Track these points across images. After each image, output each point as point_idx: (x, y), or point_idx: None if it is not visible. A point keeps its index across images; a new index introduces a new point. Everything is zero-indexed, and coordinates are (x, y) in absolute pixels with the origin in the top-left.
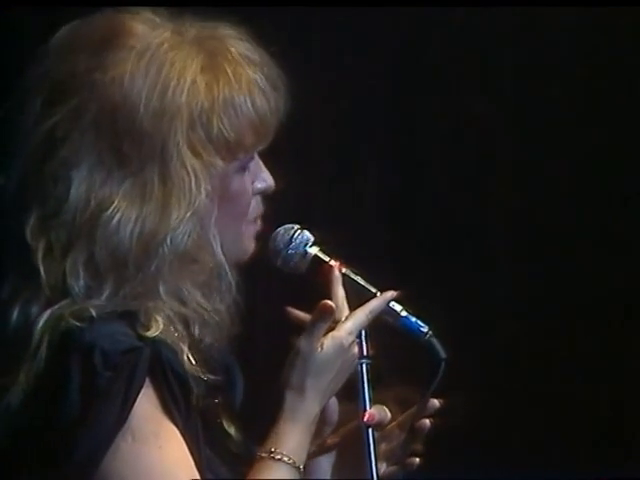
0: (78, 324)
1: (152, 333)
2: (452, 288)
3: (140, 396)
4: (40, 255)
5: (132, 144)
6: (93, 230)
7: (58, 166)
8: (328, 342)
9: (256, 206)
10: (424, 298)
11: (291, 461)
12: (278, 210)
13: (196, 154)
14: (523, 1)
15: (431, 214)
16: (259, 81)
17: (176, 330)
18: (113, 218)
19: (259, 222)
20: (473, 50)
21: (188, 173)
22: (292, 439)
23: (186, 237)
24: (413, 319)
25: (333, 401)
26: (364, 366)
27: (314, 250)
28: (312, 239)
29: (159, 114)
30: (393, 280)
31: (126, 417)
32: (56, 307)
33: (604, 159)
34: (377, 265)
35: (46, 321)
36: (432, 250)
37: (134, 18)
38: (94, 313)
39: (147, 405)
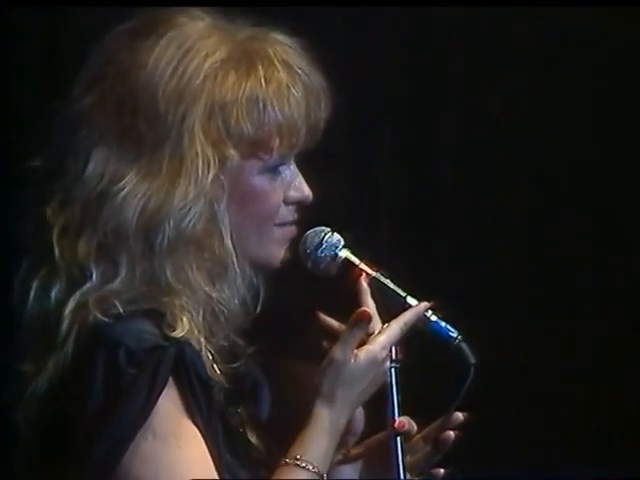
0: (106, 320)
1: (178, 333)
2: (469, 289)
3: (163, 395)
4: (56, 234)
5: (150, 124)
6: (102, 205)
7: (79, 144)
8: (362, 355)
9: (288, 214)
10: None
11: (315, 469)
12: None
13: (210, 141)
14: (537, 1)
15: (447, 215)
16: (293, 86)
17: (199, 332)
18: (120, 192)
19: (292, 229)
20: (487, 51)
21: (197, 156)
22: (318, 447)
23: (191, 220)
24: (443, 324)
25: (359, 411)
26: (393, 370)
27: (344, 253)
28: (342, 242)
29: (177, 96)
30: (411, 284)
31: (147, 415)
32: (78, 294)
33: (619, 160)
34: (394, 268)
35: (73, 312)
36: (449, 251)
37: (180, 11)
38: (121, 309)
39: (169, 404)
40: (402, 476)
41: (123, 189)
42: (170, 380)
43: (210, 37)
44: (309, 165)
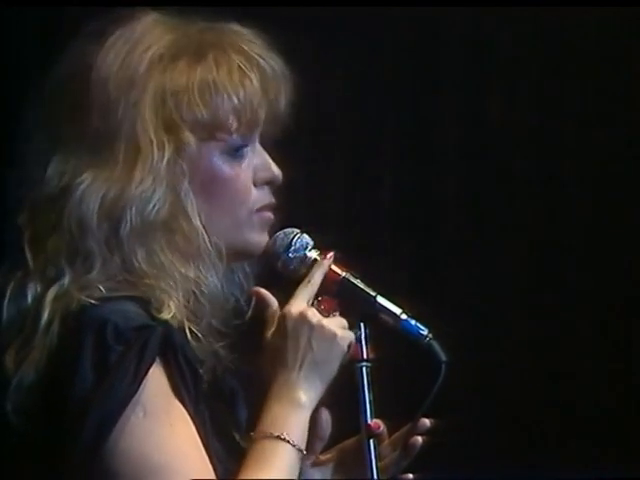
0: (91, 301)
1: (165, 315)
2: (465, 293)
3: (151, 373)
4: (27, 238)
5: (103, 117)
6: (65, 202)
7: (39, 149)
8: (279, 320)
9: (261, 196)
10: (435, 302)
11: (296, 444)
12: (291, 214)
13: (164, 127)
14: (542, 2)
15: (446, 218)
16: (246, 68)
17: (184, 316)
18: (80, 186)
19: (269, 215)
20: (490, 52)
21: (151, 142)
22: (290, 421)
23: (155, 205)
24: (413, 322)
25: (326, 416)
26: (364, 369)
27: (314, 254)
28: (312, 243)
29: (127, 86)
30: (405, 285)
31: (136, 390)
32: (57, 286)
33: (624, 160)
34: (388, 269)
35: (53, 301)
36: (447, 254)
37: (135, 12)
38: (105, 292)
39: (158, 382)
40: (376, 478)
41: (82, 183)
42: (157, 359)
43: (157, 29)
44: (309, 165)
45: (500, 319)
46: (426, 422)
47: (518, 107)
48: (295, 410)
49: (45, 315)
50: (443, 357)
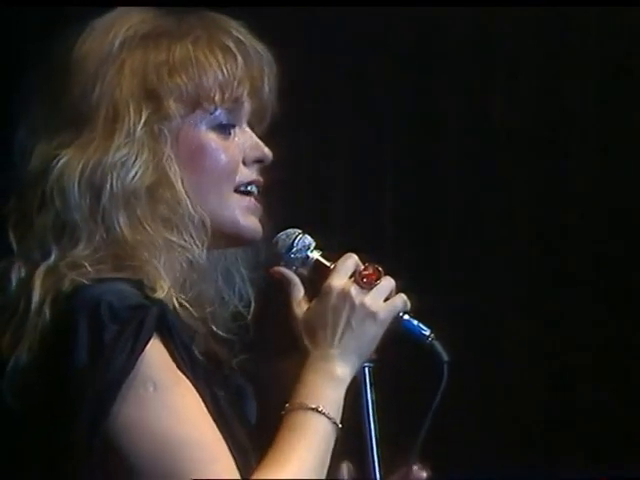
0: (84, 281)
1: (159, 295)
2: (467, 295)
3: (153, 348)
4: (11, 225)
5: (82, 93)
6: (46, 179)
7: (23, 140)
8: (322, 294)
9: (248, 173)
10: (435, 302)
11: (331, 417)
12: (293, 215)
13: (144, 96)
14: (542, 2)
15: (448, 220)
16: (228, 43)
17: (175, 294)
18: (60, 161)
19: (254, 202)
20: (493, 51)
21: (128, 109)
22: (327, 394)
23: (137, 172)
24: (415, 322)
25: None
26: (367, 369)
27: (316, 255)
28: (314, 244)
29: (104, 62)
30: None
31: (133, 365)
32: (44, 266)
33: (625, 160)
34: (389, 269)
35: (44, 277)
36: (450, 255)
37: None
38: (93, 272)
39: (161, 356)
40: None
41: (62, 157)
42: (155, 336)
43: (138, 13)
44: (309, 164)
45: (500, 319)
46: (423, 475)
47: (519, 107)
48: (331, 383)
49: (36, 296)
50: (445, 357)
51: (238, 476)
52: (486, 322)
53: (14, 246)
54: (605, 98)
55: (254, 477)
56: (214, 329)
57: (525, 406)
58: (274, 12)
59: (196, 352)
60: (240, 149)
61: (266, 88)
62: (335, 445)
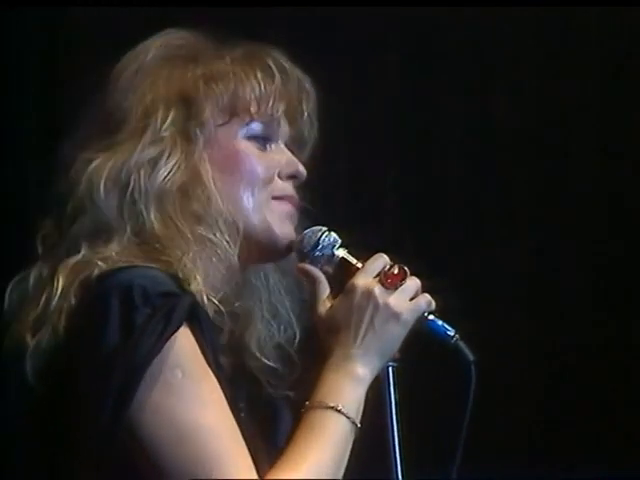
0: (115, 268)
1: (193, 287)
2: (471, 288)
3: (182, 335)
4: (40, 236)
5: (116, 105)
6: (78, 188)
7: (64, 157)
8: (346, 293)
9: (283, 187)
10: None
11: (350, 416)
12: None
13: (177, 100)
14: (542, 2)
15: (448, 220)
16: (267, 63)
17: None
18: (90, 167)
19: (290, 207)
20: (494, 52)
21: (158, 114)
22: (346, 393)
23: (166, 170)
24: (440, 322)
25: None
26: (390, 369)
27: (341, 252)
28: (339, 241)
29: (139, 74)
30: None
31: (161, 348)
32: (72, 260)
33: (625, 160)
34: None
35: (72, 268)
36: (450, 255)
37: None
38: (128, 264)
39: (190, 344)
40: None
41: (93, 163)
42: (185, 325)
43: (177, 34)
44: (310, 165)
45: (500, 319)
46: None
47: (519, 107)
48: (352, 383)
49: (62, 282)
50: (471, 357)
51: (256, 476)
52: (486, 322)
53: (39, 250)
54: (605, 98)
55: (270, 475)
56: (256, 353)
57: (525, 406)
58: (274, 12)
59: (221, 356)
60: (276, 162)
61: (304, 111)
62: (354, 445)
